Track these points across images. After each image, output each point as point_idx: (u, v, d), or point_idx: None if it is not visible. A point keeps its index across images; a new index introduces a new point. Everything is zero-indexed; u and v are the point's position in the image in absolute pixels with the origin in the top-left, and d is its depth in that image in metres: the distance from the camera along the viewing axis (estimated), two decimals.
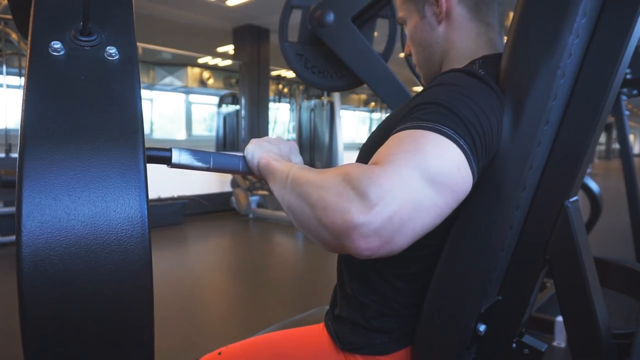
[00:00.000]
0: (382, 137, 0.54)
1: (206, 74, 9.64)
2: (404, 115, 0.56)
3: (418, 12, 0.75)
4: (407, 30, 0.78)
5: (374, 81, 1.20)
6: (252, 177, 0.68)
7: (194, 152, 0.61)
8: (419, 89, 0.96)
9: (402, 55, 1.30)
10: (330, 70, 1.25)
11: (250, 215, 5.90)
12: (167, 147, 0.59)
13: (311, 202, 0.46)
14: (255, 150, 0.65)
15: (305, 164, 0.65)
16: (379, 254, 0.43)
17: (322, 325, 0.80)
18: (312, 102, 7.39)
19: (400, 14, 0.79)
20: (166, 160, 0.58)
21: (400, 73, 1.21)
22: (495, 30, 0.72)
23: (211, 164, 0.62)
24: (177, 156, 0.59)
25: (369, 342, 0.71)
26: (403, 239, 0.43)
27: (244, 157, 0.66)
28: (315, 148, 7.49)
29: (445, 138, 0.47)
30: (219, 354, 0.81)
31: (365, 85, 1.24)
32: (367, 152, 0.67)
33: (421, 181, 0.43)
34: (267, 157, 0.63)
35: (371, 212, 0.40)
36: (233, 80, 9.59)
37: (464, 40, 0.71)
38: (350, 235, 0.41)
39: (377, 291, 0.70)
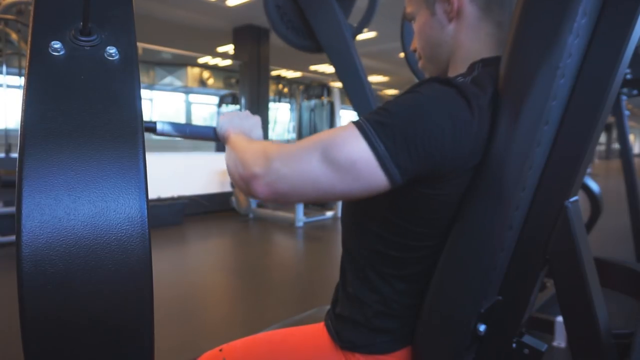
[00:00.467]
0: None
1: (206, 74, 9.64)
2: None
3: (428, 8, 0.73)
4: (415, 27, 0.76)
5: (334, 55, 1.19)
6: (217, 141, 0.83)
7: (174, 124, 0.76)
8: None
9: (402, 55, 1.30)
10: (304, 29, 1.24)
11: (250, 215, 5.90)
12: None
13: (237, 159, 0.63)
14: (223, 123, 0.80)
15: None
16: (270, 200, 0.58)
17: (322, 324, 0.81)
18: (312, 102, 7.39)
19: (408, 9, 0.77)
20: (153, 130, 0.73)
21: (401, 73, 1.21)
22: (506, 31, 0.70)
23: (187, 132, 0.78)
24: (160, 126, 0.74)
25: (369, 341, 0.71)
26: (288, 195, 0.58)
27: (214, 128, 0.82)
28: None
29: (360, 134, 0.55)
30: (220, 350, 0.81)
31: None
32: None
33: (320, 159, 0.56)
34: (230, 130, 0.78)
35: (267, 170, 0.57)
36: (233, 80, 9.60)
37: (473, 40, 0.70)
38: (251, 182, 0.58)
39: (378, 291, 0.70)
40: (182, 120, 11.33)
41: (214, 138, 0.81)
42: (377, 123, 0.56)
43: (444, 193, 0.61)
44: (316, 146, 0.57)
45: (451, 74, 0.73)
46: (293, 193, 0.58)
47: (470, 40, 0.70)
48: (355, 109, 1.26)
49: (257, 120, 0.84)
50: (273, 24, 1.23)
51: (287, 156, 0.57)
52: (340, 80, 1.22)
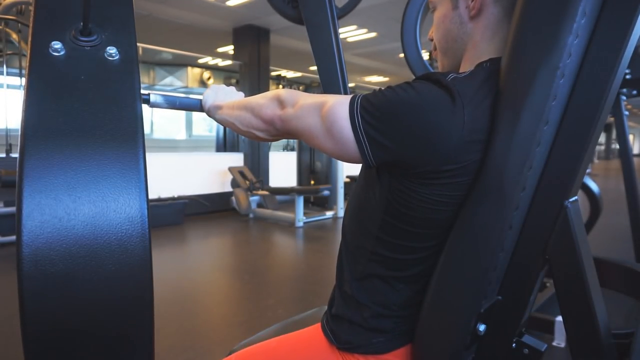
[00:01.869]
0: None
1: (206, 74, 9.64)
2: None
3: (451, 1, 0.72)
4: (435, 17, 0.76)
5: (312, 27, 1.14)
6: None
7: (165, 96, 0.83)
8: None
9: (401, 55, 1.30)
10: None
11: (250, 215, 5.90)
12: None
13: (253, 107, 0.74)
14: (210, 95, 0.87)
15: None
16: (281, 132, 0.72)
17: (318, 326, 0.80)
18: None
19: None
20: (147, 102, 0.78)
21: (400, 73, 1.20)
22: None
23: (177, 104, 0.85)
24: (153, 98, 0.80)
25: (366, 341, 0.71)
26: (291, 132, 0.70)
27: (200, 101, 0.89)
28: (315, 148, 7.47)
29: (348, 103, 0.62)
30: None
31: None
32: None
33: (317, 112, 0.65)
34: (217, 100, 0.86)
35: (283, 109, 0.70)
36: (233, 80, 9.59)
37: (489, 41, 0.69)
38: (273, 119, 0.70)
39: (377, 292, 0.70)
40: (182, 120, 11.34)
41: (199, 109, 0.90)
42: (366, 100, 0.62)
43: (438, 193, 0.61)
44: (318, 101, 0.66)
45: (462, 69, 0.73)
46: (295, 133, 0.70)
47: (486, 41, 0.69)
48: (325, 90, 1.21)
49: (241, 95, 0.90)
50: None
51: (296, 102, 0.69)
52: (315, 57, 1.17)
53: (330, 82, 1.17)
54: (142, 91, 0.71)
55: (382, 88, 0.63)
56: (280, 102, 0.70)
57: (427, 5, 1.24)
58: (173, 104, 0.84)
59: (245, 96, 0.85)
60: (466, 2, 0.70)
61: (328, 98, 0.66)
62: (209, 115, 0.88)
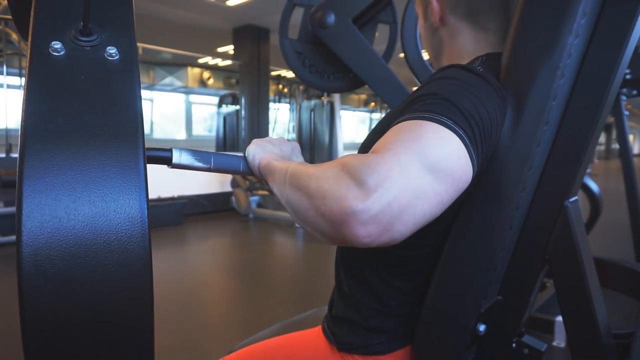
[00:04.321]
0: (382, 132, 0.53)
1: (206, 74, 9.64)
2: (404, 108, 0.56)
3: (423, 12, 0.77)
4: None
5: (376, 82, 1.20)
6: (253, 177, 0.68)
7: (195, 152, 0.61)
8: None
9: (401, 55, 1.30)
10: (328, 71, 1.25)
11: (250, 215, 5.89)
12: (168, 147, 0.59)
13: (309, 192, 0.46)
14: (256, 151, 0.66)
15: None
16: (379, 242, 0.43)
17: (319, 328, 0.80)
18: (312, 102, 7.39)
19: (416, 7, 0.81)
20: (167, 161, 0.58)
21: (400, 73, 1.21)
22: (497, 34, 0.70)
23: (212, 164, 0.62)
24: (177, 156, 0.59)
25: (367, 341, 0.71)
26: (403, 226, 0.43)
27: (244, 158, 0.67)
28: (315, 148, 7.49)
29: (444, 127, 0.47)
30: None
31: (365, 86, 1.24)
32: (366, 147, 0.67)
33: (420, 168, 0.44)
34: (268, 158, 0.63)
35: (369, 198, 0.40)
36: (233, 80, 9.59)
37: (463, 43, 0.72)
38: (349, 223, 0.41)
39: (373, 289, 0.70)
40: (182, 120, 11.31)
41: (245, 170, 0.66)
42: (452, 114, 0.48)
43: None
44: (408, 154, 0.44)
45: None
46: (407, 218, 0.42)
47: (460, 44, 0.73)
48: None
49: (295, 145, 0.71)
50: (295, 71, 1.24)
51: (388, 173, 0.42)
52: (391, 107, 1.22)
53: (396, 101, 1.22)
54: (162, 148, 0.57)
55: (435, 94, 0.53)
56: (358, 182, 0.42)
57: None
58: (205, 162, 0.61)
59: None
60: (430, 14, 0.74)
61: (413, 144, 0.45)
62: (263, 180, 0.65)
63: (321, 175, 0.46)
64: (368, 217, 0.41)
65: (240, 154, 0.67)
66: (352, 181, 0.42)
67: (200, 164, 0.61)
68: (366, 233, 0.41)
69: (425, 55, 1.23)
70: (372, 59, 1.18)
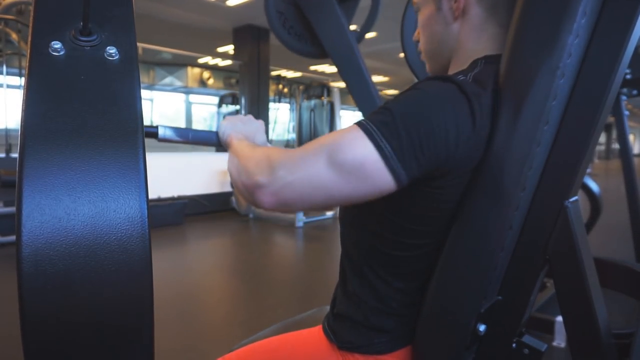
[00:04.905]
0: None
1: (206, 74, 9.64)
2: None
3: (435, 3, 0.71)
4: (419, 19, 0.76)
5: (339, 59, 1.20)
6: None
7: (176, 129, 0.75)
8: None
9: (401, 55, 1.30)
10: (306, 35, 1.25)
11: (250, 215, 5.89)
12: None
13: (239, 167, 0.62)
14: (226, 127, 0.79)
15: None
16: (275, 209, 0.58)
17: (319, 327, 0.80)
18: (312, 102, 7.39)
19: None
20: (154, 135, 0.72)
21: (400, 73, 1.21)
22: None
23: (190, 137, 0.77)
24: (162, 131, 0.73)
25: (368, 341, 0.71)
26: (295, 204, 0.57)
27: (216, 133, 0.81)
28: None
29: (365, 135, 0.54)
30: None
31: None
32: None
33: (326, 163, 0.54)
34: (232, 134, 0.77)
35: (272, 179, 0.56)
36: (233, 80, 9.60)
37: (475, 40, 0.69)
38: (255, 192, 0.57)
39: (375, 289, 0.70)
40: (182, 121, 11.31)
41: (216, 143, 0.80)
42: (381, 123, 0.55)
43: (444, 192, 0.61)
44: (321, 150, 0.55)
45: (452, 71, 0.73)
46: (300, 200, 0.56)
47: (473, 41, 0.69)
48: (362, 111, 1.27)
49: (260, 124, 0.83)
50: (275, 30, 1.24)
51: (292, 163, 0.56)
52: (346, 83, 1.23)
53: (365, 102, 1.22)
54: (149, 124, 0.69)
55: (387, 103, 0.57)
56: (270, 169, 0.56)
57: None
58: (185, 137, 0.75)
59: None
60: (449, 3, 0.70)
61: (329, 142, 0.56)
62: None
63: (251, 157, 0.62)
64: (268, 192, 0.56)
65: (214, 130, 0.81)
66: (266, 166, 0.57)
67: (180, 138, 0.75)
68: (266, 201, 0.56)
69: None
70: (341, 34, 1.18)
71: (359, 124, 0.56)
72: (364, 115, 1.26)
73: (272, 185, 0.55)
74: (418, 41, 0.79)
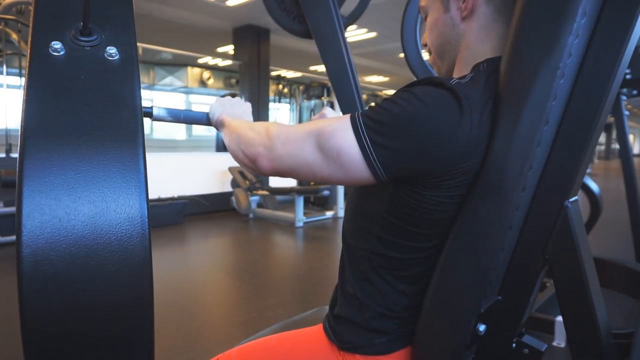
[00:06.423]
0: None
1: (206, 74, 9.64)
2: None
3: (442, 4, 0.72)
4: (427, 22, 0.76)
5: (321, 40, 1.19)
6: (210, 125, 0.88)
7: (169, 109, 0.80)
8: None
9: (401, 55, 1.30)
10: (295, 12, 1.25)
11: (250, 215, 5.89)
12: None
13: (239, 140, 0.70)
14: (217, 109, 0.86)
15: None
16: (272, 174, 0.66)
17: (320, 326, 0.80)
18: (312, 102, 7.39)
19: (422, 2, 0.77)
20: (149, 115, 0.76)
21: (401, 73, 1.21)
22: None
23: (182, 117, 0.82)
24: (156, 111, 0.78)
25: (368, 341, 0.71)
26: (286, 173, 0.65)
27: (207, 113, 0.86)
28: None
29: (351, 126, 0.59)
30: None
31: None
32: None
33: (313, 145, 0.61)
34: (224, 115, 0.83)
35: (270, 149, 0.64)
36: (233, 80, 9.60)
37: (483, 41, 0.69)
38: (257, 158, 0.65)
39: (378, 292, 0.70)
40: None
41: (206, 123, 0.86)
42: (369, 119, 0.58)
43: (441, 194, 0.61)
44: (312, 133, 0.62)
45: (456, 73, 0.73)
46: (289, 172, 0.64)
47: (480, 41, 0.69)
48: (339, 98, 1.24)
49: (248, 106, 0.89)
50: (265, 2, 1.23)
51: (286, 139, 0.63)
52: (325, 66, 1.21)
53: (343, 89, 1.21)
54: (145, 104, 0.70)
55: (382, 101, 0.60)
56: (269, 140, 0.65)
57: None
58: (177, 117, 0.80)
59: (250, 101, 0.85)
60: (457, 4, 0.70)
61: (320, 126, 0.61)
62: (218, 130, 0.85)
63: (252, 129, 0.70)
64: (266, 158, 0.64)
65: (205, 111, 0.87)
66: (265, 137, 0.65)
67: (173, 117, 0.80)
68: (265, 166, 0.65)
69: (425, 55, 1.23)
70: (327, 14, 1.17)
71: (350, 115, 0.61)
72: (340, 101, 1.25)
73: (270, 154, 0.64)
74: (425, 45, 0.79)
